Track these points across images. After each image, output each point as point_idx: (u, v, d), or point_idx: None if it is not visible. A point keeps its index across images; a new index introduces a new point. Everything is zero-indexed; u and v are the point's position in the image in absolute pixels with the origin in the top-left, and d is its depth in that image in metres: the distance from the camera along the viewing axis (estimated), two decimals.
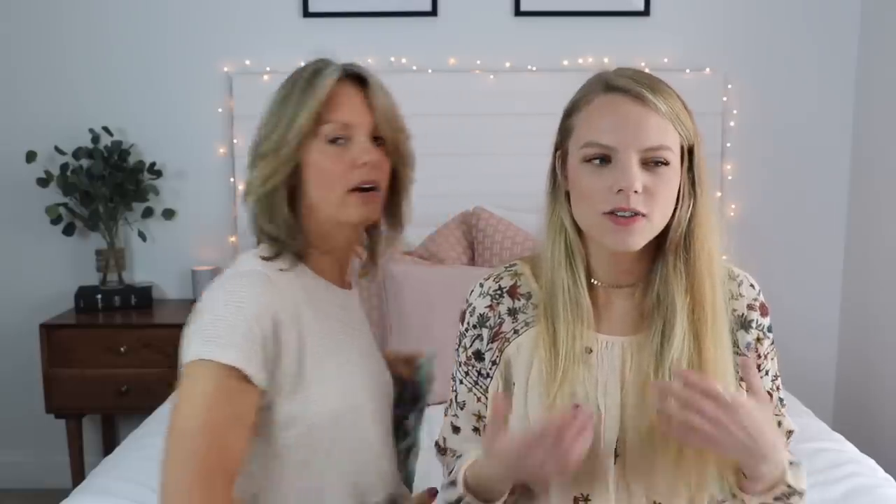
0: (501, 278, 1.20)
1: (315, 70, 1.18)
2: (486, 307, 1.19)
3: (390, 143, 1.20)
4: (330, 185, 1.16)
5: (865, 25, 2.83)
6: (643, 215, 1.03)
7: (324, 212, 1.18)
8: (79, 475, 2.69)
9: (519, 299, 1.18)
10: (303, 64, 1.21)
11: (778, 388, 1.18)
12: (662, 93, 1.05)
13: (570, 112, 1.11)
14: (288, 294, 1.15)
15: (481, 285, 1.21)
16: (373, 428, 1.22)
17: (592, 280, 1.14)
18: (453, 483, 1.15)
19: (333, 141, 1.16)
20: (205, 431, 1.06)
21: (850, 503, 1.64)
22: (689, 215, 1.08)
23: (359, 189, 1.17)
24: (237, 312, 1.08)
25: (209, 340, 1.07)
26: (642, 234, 1.05)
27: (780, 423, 1.17)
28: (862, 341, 2.87)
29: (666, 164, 1.04)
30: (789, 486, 1.06)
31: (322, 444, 1.15)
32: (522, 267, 1.20)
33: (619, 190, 1.02)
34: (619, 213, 1.03)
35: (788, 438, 1.19)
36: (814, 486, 1.67)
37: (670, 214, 1.07)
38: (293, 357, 1.12)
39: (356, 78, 1.20)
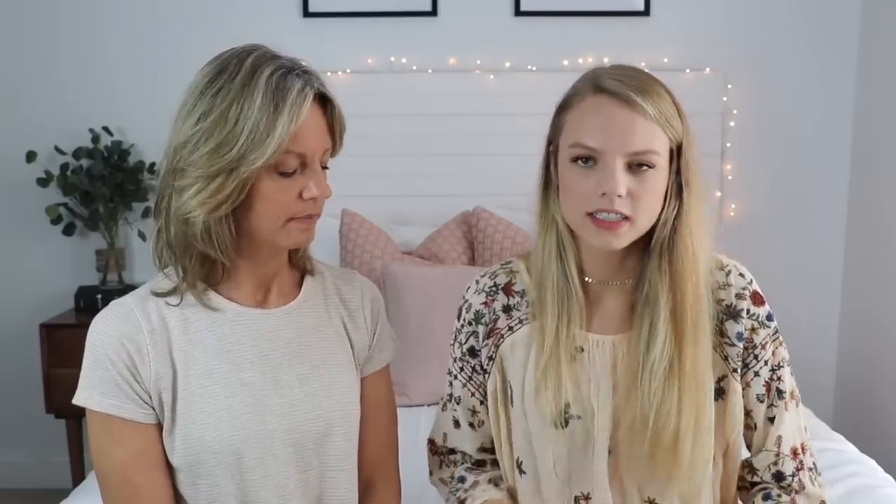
0: (497, 275, 1.21)
1: (281, 77, 1.01)
2: (481, 303, 1.20)
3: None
4: (273, 215, 1.05)
5: (865, 25, 2.83)
6: (627, 218, 1.04)
7: (261, 237, 1.08)
8: (79, 475, 2.68)
9: (514, 296, 1.19)
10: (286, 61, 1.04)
11: (779, 379, 1.14)
12: (652, 94, 1.04)
13: (563, 108, 1.10)
14: (158, 329, 1.07)
15: (477, 282, 1.22)
16: (260, 474, 1.09)
17: (586, 278, 1.14)
18: None
19: (286, 173, 1.04)
20: (108, 479, 1.06)
21: (849, 503, 1.64)
22: (674, 215, 1.08)
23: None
24: (91, 353, 1.06)
25: (80, 386, 1.06)
26: (626, 236, 1.06)
27: (772, 419, 1.14)
28: (862, 341, 2.87)
29: (651, 167, 1.04)
30: None
31: (201, 477, 1.08)
32: (518, 264, 1.21)
33: (604, 193, 1.03)
34: (602, 216, 1.04)
35: (779, 446, 1.15)
36: None
37: (656, 216, 1.07)
38: (166, 390, 1.06)
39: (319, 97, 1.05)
